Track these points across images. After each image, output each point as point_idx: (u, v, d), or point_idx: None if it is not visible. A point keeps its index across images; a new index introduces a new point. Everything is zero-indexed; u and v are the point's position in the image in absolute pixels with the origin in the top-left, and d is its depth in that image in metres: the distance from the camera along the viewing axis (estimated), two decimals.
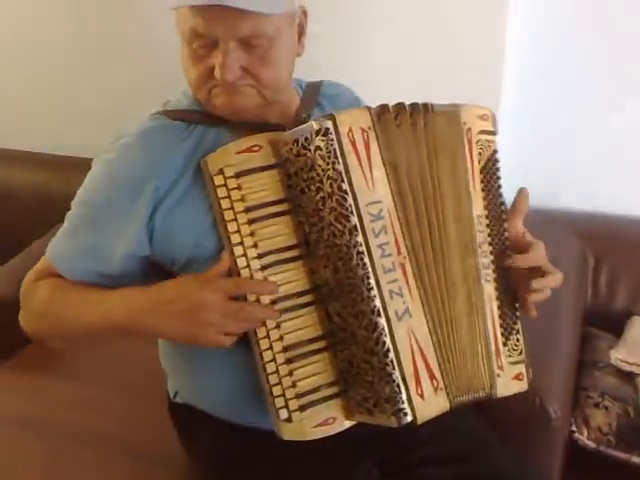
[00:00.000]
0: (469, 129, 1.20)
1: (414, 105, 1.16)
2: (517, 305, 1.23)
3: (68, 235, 1.24)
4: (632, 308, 2.02)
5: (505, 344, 1.21)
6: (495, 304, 1.19)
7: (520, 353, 1.23)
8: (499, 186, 1.23)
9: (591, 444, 1.69)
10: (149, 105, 1.28)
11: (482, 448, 1.37)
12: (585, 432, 1.70)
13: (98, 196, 1.21)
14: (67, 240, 1.23)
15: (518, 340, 1.23)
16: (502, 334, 1.20)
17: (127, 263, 1.19)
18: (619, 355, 1.83)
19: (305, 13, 1.22)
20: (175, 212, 1.16)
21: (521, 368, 1.23)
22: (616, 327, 1.96)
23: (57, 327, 1.23)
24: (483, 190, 1.21)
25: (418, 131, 1.15)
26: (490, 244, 1.20)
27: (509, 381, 1.20)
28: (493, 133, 1.24)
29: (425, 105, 1.17)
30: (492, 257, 1.19)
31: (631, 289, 2.02)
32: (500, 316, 1.20)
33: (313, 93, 1.34)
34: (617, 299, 2.04)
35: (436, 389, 1.08)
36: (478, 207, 1.20)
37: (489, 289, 1.19)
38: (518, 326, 1.24)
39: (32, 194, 2.31)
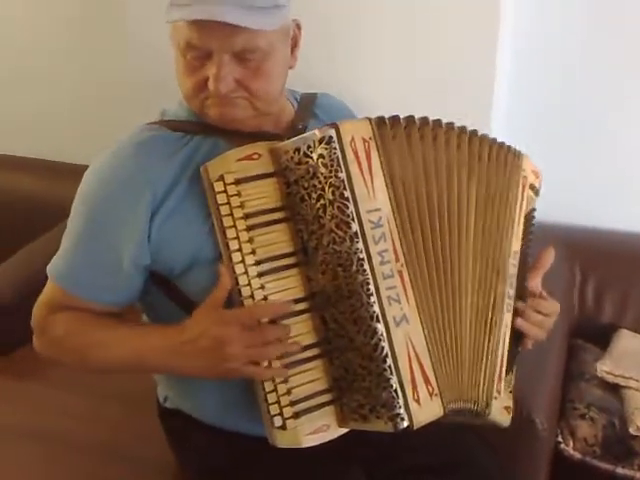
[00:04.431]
0: (525, 177, 1.28)
1: (423, 119, 1.18)
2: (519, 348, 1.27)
3: (69, 254, 1.22)
4: (618, 321, 2.04)
5: (506, 374, 1.23)
6: (508, 333, 1.22)
7: (511, 391, 1.27)
8: (530, 240, 1.30)
9: (577, 455, 1.71)
10: (143, 113, 1.29)
11: (469, 458, 1.38)
12: (571, 443, 1.72)
13: (94, 210, 1.20)
14: (69, 259, 1.22)
15: (511, 380, 1.27)
16: (506, 364, 1.23)
17: (132, 274, 1.20)
18: (605, 367, 1.85)
19: (299, 27, 1.24)
20: (171, 220, 1.17)
21: (510, 403, 1.26)
22: (602, 340, 1.99)
23: (80, 364, 1.26)
24: (522, 234, 1.27)
25: (416, 143, 1.16)
26: (516, 280, 1.24)
27: (501, 408, 1.22)
28: (537, 193, 1.32)
29: (437, 121, 1.20)
30: (515, 292, 1.24)
31: (617, 302, 2.05)
32: (509, 346, 1.23)
33: (308, 104, 1.36)
34: (603, 312, 2.06)
35: (431, 394, 1.08)
36: (516, 244, 1.25)
37: (507, 318, 1.22)
38: (515, 368, 1.28)
39: (24, 200, 2.31)
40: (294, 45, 1.24)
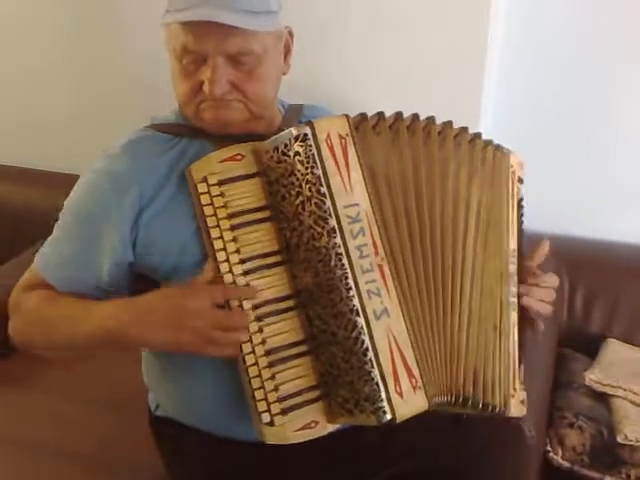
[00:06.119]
0: (514, 172, 1.30)
1: (413, 115, 1.20)
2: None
3: (55, 244, 1.26)
4: (606, 331, 2.05)
5: (519, 368, 1.25)
6: (516, 330, 1.24)
7: (522, 382, 1.27)
8: (522, 230, 1.32)
9: (565, 464, 1.72)
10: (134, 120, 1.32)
11: (459, 464, 1.37)
12: (560, 452, 1.72)
13: (83, 204, 1.24)
14: (54, 249, 1.26)
15: (522, 370, 1.28)
16: (518, 359, 1.24)
17: (114, 271, 1.22)
18: (593, 376, 1.86)
19: (291, 34, 1.28)
20: (158, 219, 1.20)
21: (524, 395, 1.27)
22: (591, 349, 1.99)
23: (47, 338, 1.24)
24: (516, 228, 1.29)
25: (404, 138, 1.18)
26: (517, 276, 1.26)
27: (518, 403, 1.23)
28: (522, 181, 1.33)
29: (430, 117, 1.22)
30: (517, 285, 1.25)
31: (606, 312, 2.05)
32: (519, 342, 1.24)
33: (295, 113, 1.39)
34: (592, 321, 2.06)
35: (415, 388, 1.07)
36: (513, 241, 1.27)
37: (514, 317, 1.24)
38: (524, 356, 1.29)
39: (16, 208, 2.32)
40: (287, 52, 1.27)
